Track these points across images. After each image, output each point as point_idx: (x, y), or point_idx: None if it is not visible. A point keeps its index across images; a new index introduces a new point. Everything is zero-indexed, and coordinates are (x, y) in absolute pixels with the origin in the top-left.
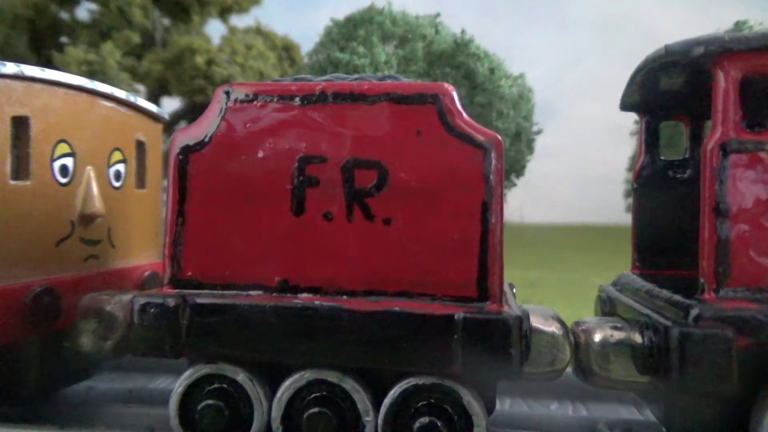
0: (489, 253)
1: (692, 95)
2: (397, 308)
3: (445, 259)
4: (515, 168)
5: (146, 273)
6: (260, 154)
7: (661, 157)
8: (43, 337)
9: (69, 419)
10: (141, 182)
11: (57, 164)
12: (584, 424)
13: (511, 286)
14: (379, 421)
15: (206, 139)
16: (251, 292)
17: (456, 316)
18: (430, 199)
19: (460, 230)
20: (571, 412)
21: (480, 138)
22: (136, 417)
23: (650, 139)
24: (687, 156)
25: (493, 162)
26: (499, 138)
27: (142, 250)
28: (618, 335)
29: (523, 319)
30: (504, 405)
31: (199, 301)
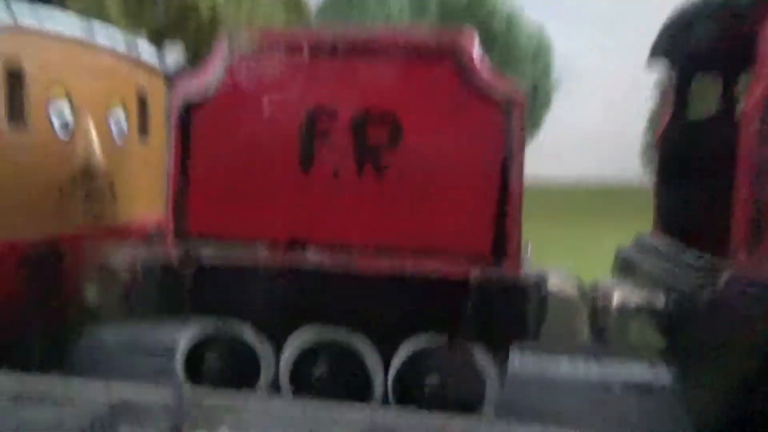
0: (507, 213)
1: (727, 49)
2: (409, 268)
3: (460, 219)
4: (530, 124)
5: (150, 227)
6: (266, 108)
7: (689, 114)
8: (46, 291)
9: (75, 369)
10: (143, 135)
11: (54, 115)
12: (597, 383)
13: (527, 245)
14: (389, 380)
15: (210, 91)
16: (258, 249)
17: (471, 277)
18: (445, 157)
19: (477, 189)
20: (583, 369)
21: (501, 92)
22: (143, 367)
23: (679, 94)
24: (717, 113)
25: (514, 118)
26: (521, 93)
27: (147, 205)
28: (637, 298)
29: (540, 281)
30: (513, 362)
31: (203, 257)
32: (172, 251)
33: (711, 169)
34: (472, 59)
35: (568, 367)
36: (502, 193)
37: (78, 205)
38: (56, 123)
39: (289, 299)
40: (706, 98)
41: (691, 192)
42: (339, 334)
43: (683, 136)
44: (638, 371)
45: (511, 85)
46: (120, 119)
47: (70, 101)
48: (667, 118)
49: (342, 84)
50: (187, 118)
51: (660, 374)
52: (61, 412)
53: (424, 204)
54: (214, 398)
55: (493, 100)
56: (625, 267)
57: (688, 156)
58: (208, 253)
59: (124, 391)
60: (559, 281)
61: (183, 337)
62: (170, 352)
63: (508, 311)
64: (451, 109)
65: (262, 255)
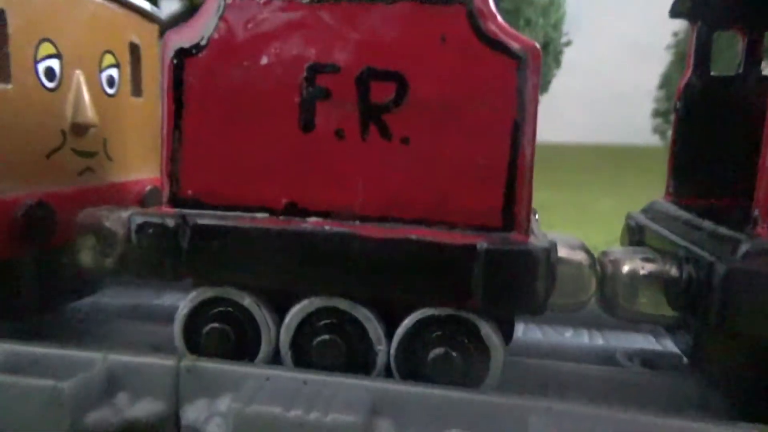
0: (517, 178)
1: (752, 4)
2: (413, 236)
3: (468, 184)
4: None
5: (147, 188)
6: (264, 61)
7: (712, 73)
8: (39, 252)
9: (71, 335)
10: (137, 89)
11: (41, 66)
12: (601, 353)
13: (534, 212)
14: (392, 351)
15: (203, 42)
16: (256, 215)
17: (478, 246)
18: (454, 116)
19: (487, 152)
20: (588, 340)
21: (515, 46)
22: (141, 334)
23: (701, 50)
24: (741, 71)
25: (529, 75)
26: (537, 47)
27: (142, 164)
28: (649, 267)
29: (550, 250)
30: (517, 331)
31: (200, 222)
32: (167, 214)
33: (734, 130)
34: (485, 7)
35: (572, 337)
36: (513, 156)
37: (69, 162)
38: (43, 76)
39: (289, 266)
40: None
41: (711, 154)
42: (341, 303)
43: (706, 93)
44: (646, 342)
45: (526, 38)
46: (112, 72)
47: (58, 53)
48: (688, 74)
49: (344, 35)
50: (179, 69)
51: (668, 346)
52: (55, 380)
53: (430, 167)
54: (214, 367)
55: (508, 53)
56: (636, 234)
57: (711, 114)
58: (204, 216)
59: (122, 358)
60: (567, 249)
61: (182, 304)
62: (171, 319)
63: (517, 281)
64: (461, 63)
65: (261, 220)
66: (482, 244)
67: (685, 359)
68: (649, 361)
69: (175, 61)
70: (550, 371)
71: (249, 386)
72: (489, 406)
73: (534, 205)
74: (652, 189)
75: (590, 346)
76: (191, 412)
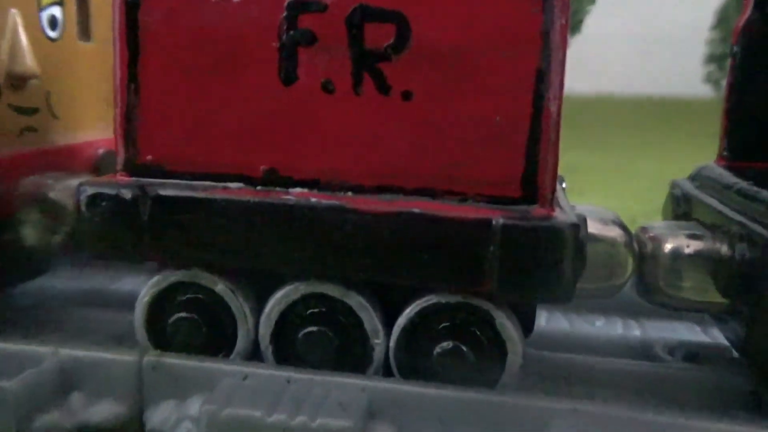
0: (541, 140)
1: None
2: (417, 209)
3: (482, 148)
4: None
5: (100, 151)
6: None
7: None
8: None
9: (16, 325)
10: (85, 32)
11: None
12: (637, 345)
13: (560, 180)
14: (391, 344)
15: None
16: (230, 184)
17: (494, 222)
18: (465, 66)
19: (505, 109)
20: (622, 330)
21: None
22: (97, 323)
23: None
24: None
25: (556, 14)
26: None
27: (94, 122)
28: (695, 245)
29: (579, 225)
30: (539, 321)
31: (162, 193)
32: (123, 183)
33: None
34: None
35: (604, 327)
36: (536, 112)
37: (5, 121)
38: None
39: (269, 245)
40: None
41: None
42: (331, 289)
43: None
44: (689, 333)
45: None
46: (54, 11)
47: None
48: (747, 13)
49: None
50: (134, 8)
51: (715, 338)
52: None
53: (437, 127)
54: (183, 364)
55: None
56: (681, 205)
57: None
58: (167, 186)
59: (75, 353)
60: (599, 223)
61: (144, 289)
62: (132, 306)
63: (539, 262)
64: (473, 0)
65: (235, 190)
66: (498, 219)
67: (734, 352)
68: (693, 354)
69: None
70: (578, 367)
71: (224, 386)
72: (505, 409)
73: (560, 170)
74: (701, 150)
75: (625, 337)
76: (157, 416)
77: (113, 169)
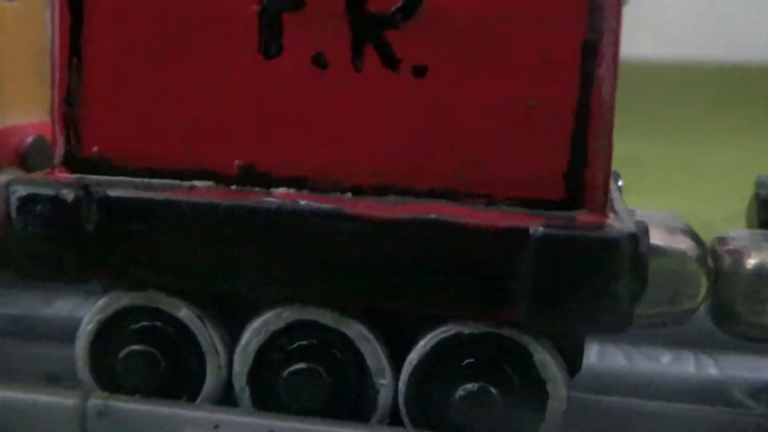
0: (591, 128)
1: None
2: (432, 216)
3: (514, 138)
4: None
5: (29, 138)
6: None
7: None
8: None
9: None
10: None
11: None
12: (710, 387)
13: (616, 177)
14: (401, 386)
15: None
16: (197, 183)
17: (531, 231)
18: (494, 35)
19: (543, 89)
20: (693, 368)
21: None
22: (27, 358)
23: None
24: None
25: None
26: None
27: (21, 102)
28: None
29: (639, 237)
30: (588, 356)
31: (111, 194)
32: (62, 181)
33: None
34: None
35: (671, 365)
36: (584, 94)
37: None
38: None
39: (245, 261)
40: None
41: None
42: (324, 316)
43: None
44: None
45: None
46: None
47: None
48: None
49: None
50: None
51: None
52: None
53: (457, 112)
54: (137, 409)
55: None
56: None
57: None
58: (118, 185)
59: (2, 394)
60: (664, 233)
61: (88, 316)
62: (70, 337)
63: (588, 282)
64: None
65: (204, 191)
66: (536, 227)
67: None
68: None
69: None
70: (637, 414)
71: None
72: None
73: (618, 159)
74: None
75: (696, 377)
76: None
77: (44, 161)
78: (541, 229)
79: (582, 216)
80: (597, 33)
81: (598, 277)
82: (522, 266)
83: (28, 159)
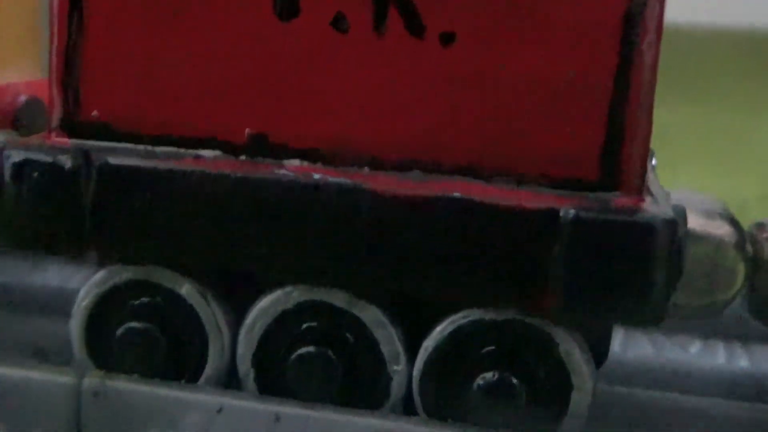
0: (629, 103)
1: None
2: (456, 194)
3: (547, 112)
4: None
5: (20, 99)
6: None
7: None
8: None
9: None
10: None
11: None
12: (746, 381)
13: (650, 155)
14: (415, 373)
15: None
16: (203, 152)
17: (562, 214)
18: (527, 2)
19: (578, 62)
20: (725, 360)
21: None
22: (16, 332)
23: None
24: None
25: None
26: None
27: (12, 59)
28: None
29: (677, 222)
30: (614, 346)
31: (112, 161)
32: (60, 147)
33: None
34: None
35: (700, 356)
36: (623, 66)
37: None
38: None
39: (253, 236)
40: None
41: None
42: (336, 297)
43: None
44: None
45: None
46: None
47: None
48: None
49: None
50: None
51: None
52: None
53: (486, 83)
54: (135, 391)
55: None
56: None
57: None
58: (119, 152)
59: None
60: (701, 217)
61: (84, 290)
62: (64, 310)
63: (621, 269)
64: None
65: (211, 161)
66: (567, 209)
67: None
68: None
69: None
70: (664, 408)
71: (190, 421)
72: None
73: (661, 143)
74: None
75: (729, 370)
76: None
77: (37, 124)
78: (572, 211)
79: (617, 198)
80: (639, 3)
81: (634, 266)
82: (552, 251)
83: (19, 121)
